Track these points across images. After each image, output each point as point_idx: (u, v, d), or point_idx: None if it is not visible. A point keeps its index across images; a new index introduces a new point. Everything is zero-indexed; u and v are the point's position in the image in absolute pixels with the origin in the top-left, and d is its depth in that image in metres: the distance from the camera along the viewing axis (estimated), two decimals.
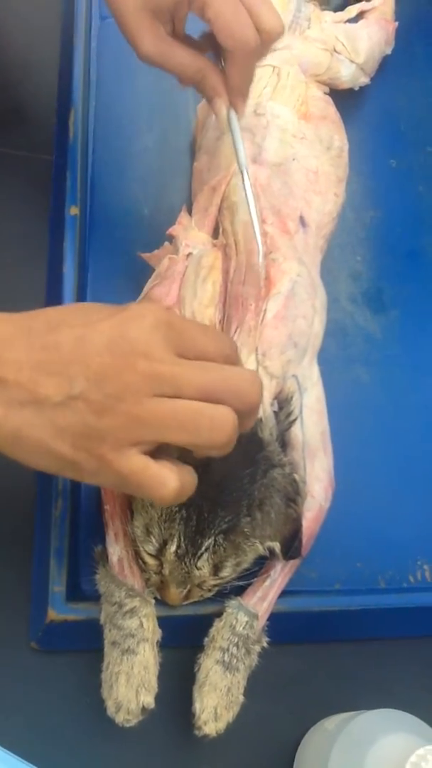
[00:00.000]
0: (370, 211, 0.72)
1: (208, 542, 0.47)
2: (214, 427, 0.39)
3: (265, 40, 0.50)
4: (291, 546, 0.50)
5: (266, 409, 0.52)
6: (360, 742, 0.45)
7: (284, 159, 0.61)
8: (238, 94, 0.54)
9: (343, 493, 0.56)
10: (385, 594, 0.56)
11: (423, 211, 0.73)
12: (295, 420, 0.54)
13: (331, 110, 0.67)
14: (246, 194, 0.55)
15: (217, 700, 0.48)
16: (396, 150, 0.75)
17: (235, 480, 0.48)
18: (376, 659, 0.55)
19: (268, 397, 0.53)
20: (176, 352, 0.39)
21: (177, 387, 0.38)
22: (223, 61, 0.52)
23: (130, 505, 0.51)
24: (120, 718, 0.47)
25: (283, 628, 0.52)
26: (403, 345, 0.66)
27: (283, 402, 0.54)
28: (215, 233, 0.60)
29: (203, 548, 0.47)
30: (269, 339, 0.54)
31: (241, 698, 0.49)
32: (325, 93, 0.69)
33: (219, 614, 0.50)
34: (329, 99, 0.68)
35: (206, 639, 0.50)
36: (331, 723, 0.50)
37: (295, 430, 0.54)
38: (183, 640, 0.50)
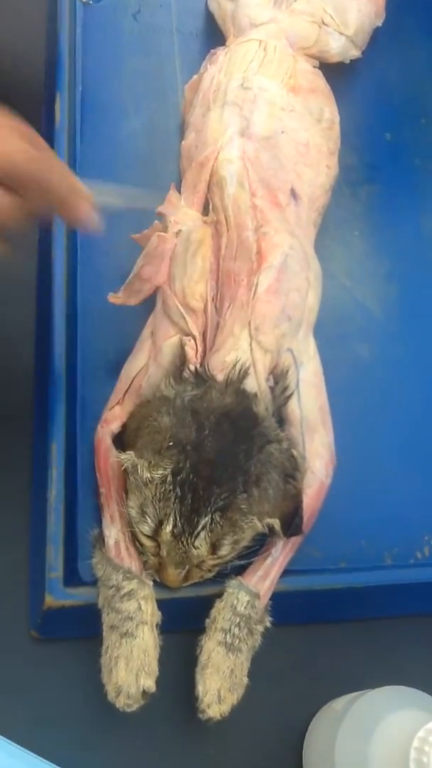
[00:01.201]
0: (365, 186, 0.71)
1: (205, 520, 0.46)
2: None
3: None
4: (291, 523, 0.49)
5: (261, 383, 0.51)
6: (367, 720, 0.44)
7: (273, 132, 0.59)
8: None
9: (347, 469, 0.55)
10: (391, 571, 0.55)
11: (419, 184, 0.72)
12: (291, 394, 0.52)
13: (321, 82, 0.66)
14: None
15: (221, 682, 0.47)
16: (390, 123, 0.74)
17: (229, 456, 0.46)
18: (384, 638, 0.54)
19: (263, 371, 0.52)
20: None
21: None
22: None
23: (126, 487, 0.50)
24: (120, 703, 0.46)
25: (288, 608, 0.50)
26: (402, 320, 0.65)
27: (278, 376, 0.52)
28: (205, 210, 0.58)
29: (200, 526, 0.46)
30: (262, 313, 0.52)
31: (245, 680, 0.48)
32: (315, 66, 0.68)
33: (220, 595, 0.49)
34: (318, 72, 0.67)
35: (207, 620, 0.49)
36: (338, 703, 0.49)
37: (293, 405, 0.53)
38: (184, 624, 0.49)
